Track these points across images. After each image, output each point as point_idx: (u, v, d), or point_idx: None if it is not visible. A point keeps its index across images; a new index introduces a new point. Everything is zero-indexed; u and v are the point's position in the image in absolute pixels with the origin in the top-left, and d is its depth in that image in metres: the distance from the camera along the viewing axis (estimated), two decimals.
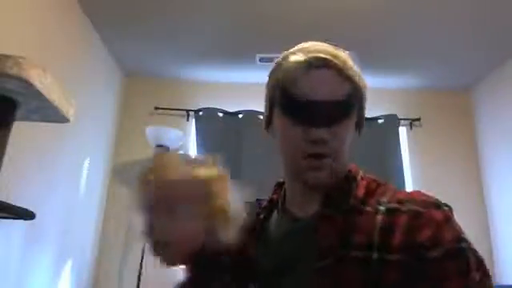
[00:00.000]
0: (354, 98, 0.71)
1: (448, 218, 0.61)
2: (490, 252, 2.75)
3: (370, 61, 2.73)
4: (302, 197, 0.73)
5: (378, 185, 0.71)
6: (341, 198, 0.70)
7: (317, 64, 0.69)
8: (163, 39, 2.68)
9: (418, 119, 3.05)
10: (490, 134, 2.90)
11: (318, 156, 0.68)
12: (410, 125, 3.05)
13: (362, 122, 0.75)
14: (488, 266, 0.60)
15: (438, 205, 0.63)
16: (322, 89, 0.68)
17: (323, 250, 0.64)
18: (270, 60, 2.93)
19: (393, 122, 2.99)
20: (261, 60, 2.81)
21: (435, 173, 2.94)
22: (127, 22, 2.50)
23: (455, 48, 2.63)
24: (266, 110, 0.79)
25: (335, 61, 0.69)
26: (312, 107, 0.67)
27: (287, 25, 2.45)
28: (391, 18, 2.36)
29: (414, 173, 2.97)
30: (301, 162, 0.69)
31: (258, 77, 3.00)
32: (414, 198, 0.65)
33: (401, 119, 3.01)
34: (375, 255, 0.60)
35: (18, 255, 1.86)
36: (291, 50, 0.75)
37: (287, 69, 0.71)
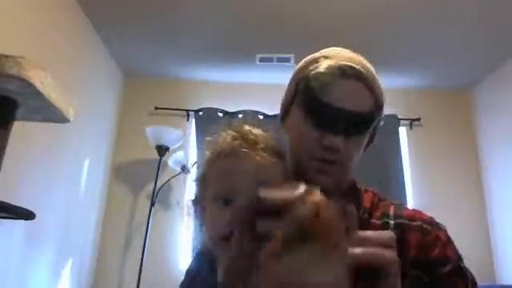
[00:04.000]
0: (376, 114, 0.71)
1: (449, 238, 0.69)
2: (490, 252, 2.74)
3: (369, 61, 2.73)
4: None
5: (379, 199, 0.75)
6: (350, 207, 0.71)
7: (350, 73, 0.69)
8: (163, 39, 2.67)
9: (418, 119, 3.04)
10: (490, 134, 2.90)
11: (328, 161, 0.68)
12: (410, 125, 3.05)
13: (373, 138, 0.76)
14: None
15: (438, 225, 0.71)
16: (350, 99, 0.68)
17: None
18: (270, 60, 2.96)
19: (393, 122, 2.99)
20: (261, 60, 2.81)
21: (435, 173, 2.94)
22: (127, 22, 2.50)
23: (455, 48, 2.63)
24: (284, 104, 0.78)
25: (367, 75, 0.70)
26: (335, 114, 0.67)
27: (287, 25, 2.45)
28: (391, 18, 2.36)
29: (414, 173, 2.97)
30: (309, 162, 0.69)
31: (258, 77, 3.03)
32: (418, 215, 0.71)
33: (401, 119, 3.01)
34: None
35: (19, 255, 1.86)
36: (322, 53, 0.74)
37: (319, 71, 0.70)
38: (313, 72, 0.70)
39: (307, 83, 0.71)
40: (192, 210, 0.66)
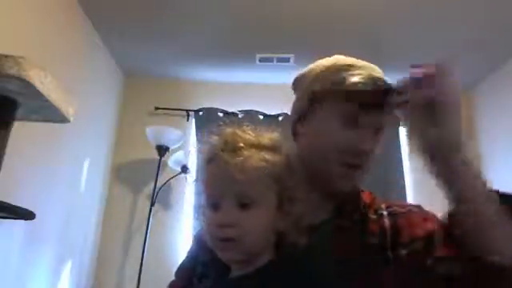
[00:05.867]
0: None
1: (437, 217, 0.74)
2: None
3: (369, 61, 2.73)
4: (312, 202, 0.74)
5: (374, 197, 0.82)
6: (352, 207, 0.77)
7: (381, 85, 0.74)
8: (163, 39, 2.67)
9: None
10: (490, 134, 2.90)
11: (356, 166, 0.73)
12: None
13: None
14: None
15: (420, 206, 0.79)
16: (377, 105, 0.74)
17: (344, 255, 0.68)
18: (271, 60, 2.96)
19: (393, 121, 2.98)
20: (261, 60, 2.80)
21: None
22: (127, 21, 2.50)
23: (455, 48, 2.63)
24: (300, 110, 0.80)
25: (389, 85, 0.75)
26: (369, 121, 0.74)
27: (287, 25, 2.44)
28: (391, 18, 2.36)
29: (414, 173, 2.96)
30: (335, 168, 0.73)
31: (258, 77, 3.03)
32: (407, 204, 0.81)
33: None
34: (390, 254, 0.69)
35: (18, 255, 1.86)
36: (344, 61, 0.78)
37: (355, 81, 0.73)
38: (349, 80, 0.74)
39: (345, 90, 0.73)
40: (196, 216, 0.70)
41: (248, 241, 0.59)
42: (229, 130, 0.65)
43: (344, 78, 0.74)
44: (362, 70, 0.75)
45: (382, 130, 0.77)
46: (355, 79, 0.73)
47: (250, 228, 0.59)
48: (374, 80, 0.74)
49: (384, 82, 0.75)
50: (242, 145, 0.62)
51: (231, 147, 0.62)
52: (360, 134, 0.73)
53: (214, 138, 0.64)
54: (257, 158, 0.61)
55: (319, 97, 0.76)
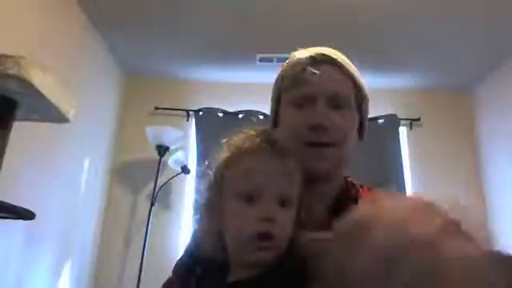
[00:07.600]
0: (354, 93, 0.76)
1: None
2: None
3: (370, 61, 2.73)
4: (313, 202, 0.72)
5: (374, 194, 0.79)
6: (351, 205, 0.74)
7: (320, 59, 0.75)
8: (163, 39, 2.67)
9: (418, 119, 3.04)
10: (490, 134, 2.90)
11: (320, 145, 0.72)
12: (410, 125, 3.05)
13: (364, 123, 0.80)
14: None
15: None
16: (324, 81, 0.73)
17: None
18: (271, 60, 2.96)
19: (393, 122, 2.99)
20: (261, 60, 2.81)
21: (435, 173, 2.94)
22: (127, 21, 2.50)
23: (455, 48, 2.63)
24: (272, 107, 0.84)
25: (337, 59, 0.75)
26: (314, 97, 0.73)
27: (287, 25, 2.45)
28: (391, 18, 2.36)
29: (414, 173, 2.97)
30: (302, 150, 0.71)
31: (259, 77, 3.03)
32: None
33: (401, 119, 3.01)
34: None
35: (18, 255, 1.86)
36: (298, 51, 0.80)
37: (292, 63, 0.77)
38: (287, 66, 0.78)
39: (283, 78, 0.78)
40: (201, 212, 0.66)
41: (282, 240, 0.58)
42: (264, 128, 0.67)
43: (289, 66, 0.78)
44: (301, 54, 0.77)
45: (343, 107, 0.74)
46: (290, 64, 0.77)
47: (285, 226, 0.59)
48: (311, 57, 0.75)
49: (320, 55, 0.75)
50: (282, 144, 0.64)
51: (273, 144, 0.63)
52: (313, 111, 0.72)
53: (251, 133, 0.65)
54: (289, 156, 0.63)
55: (278, 94, 0.80)
